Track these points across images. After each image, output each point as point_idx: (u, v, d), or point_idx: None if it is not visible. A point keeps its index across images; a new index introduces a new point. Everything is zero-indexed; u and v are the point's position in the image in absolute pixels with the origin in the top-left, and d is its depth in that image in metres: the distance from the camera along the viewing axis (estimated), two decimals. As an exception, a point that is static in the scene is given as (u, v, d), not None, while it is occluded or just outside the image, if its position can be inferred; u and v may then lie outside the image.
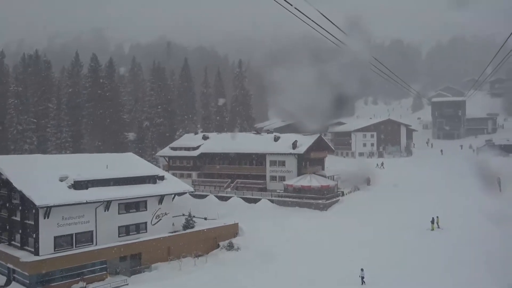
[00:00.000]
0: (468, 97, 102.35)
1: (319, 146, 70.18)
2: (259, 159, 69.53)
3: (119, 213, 43.34)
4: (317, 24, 15.91)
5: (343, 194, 64.26)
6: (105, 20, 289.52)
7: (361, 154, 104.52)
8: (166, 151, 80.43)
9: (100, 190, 41.85)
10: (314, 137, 68.28)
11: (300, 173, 65.24)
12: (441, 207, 52.93)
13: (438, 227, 48.49)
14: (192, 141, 78.52)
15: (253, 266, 40.52)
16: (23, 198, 38.74)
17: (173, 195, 48.61)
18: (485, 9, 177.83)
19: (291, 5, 14.32)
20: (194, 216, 49.48)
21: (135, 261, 41.93)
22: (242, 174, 71.07)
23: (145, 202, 45.60)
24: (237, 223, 50.45)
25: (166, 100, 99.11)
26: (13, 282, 37.82)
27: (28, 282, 35.87)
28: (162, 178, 48.51)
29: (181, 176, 71.96)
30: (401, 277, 35.43)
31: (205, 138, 78.73)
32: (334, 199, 61.57)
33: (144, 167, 50.82)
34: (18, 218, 40.80)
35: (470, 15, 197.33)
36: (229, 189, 69.14)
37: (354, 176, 69.39)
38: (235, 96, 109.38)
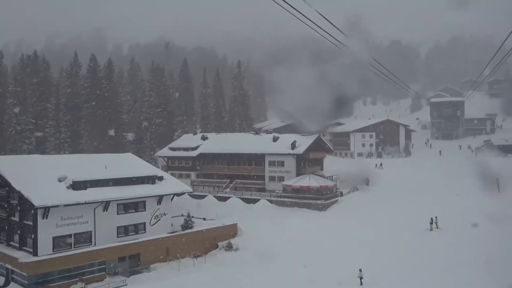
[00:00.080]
0: (467, 98, 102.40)
1: (318, 146, 70.23)
2: (258, 159, 69.53)
3: (117, 214, 43.33)
4: (317, 25, 15.93)
5: (342, 195, 64.30)
6: (104, 20, 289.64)
7: (360, 155, 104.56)
8: (165, 151, 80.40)
9: (99, 191, 41.83)
10: (313, 138, 68.33)
11: (299, 173, 65.27)
12: (439, 207, 53.01)
13: (437, 227, 48.57)
14: (191, 142, 78.50)
15: (252, 267, 40.52)
16: (22, 199, 38.72)
17: (172, 196, 48.60)
18: (485, 9, 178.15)
19: (293, 8, 14.34)
20: (193, 217, 49.50)
21: (134, 261, 41.91)
22: (241, 175, 71.06)
23: (144, 202, 45.59)
24: (236, 224, 50.45)
25: (165, 100, 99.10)
26: (11, 283, 37.76)
27: (26, 282, 35.81)
28: (161, 178, 48.49)
29: (180, 176, 71.95)
30: (401, 277, 35.45)
31: (204, 138, 78.71)
32: (333, 200, 61.60)
33: (143, 168, 50.80)
34: (16, 219, 40.76)
35: (470, 15, 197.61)
36: (228, 190, 69.12)
37: (353, 177, 69.42)
38: (234, 96, 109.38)
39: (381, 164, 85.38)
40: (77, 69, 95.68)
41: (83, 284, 37.29)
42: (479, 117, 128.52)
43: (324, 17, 15.57)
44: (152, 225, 46.01)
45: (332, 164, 78.26)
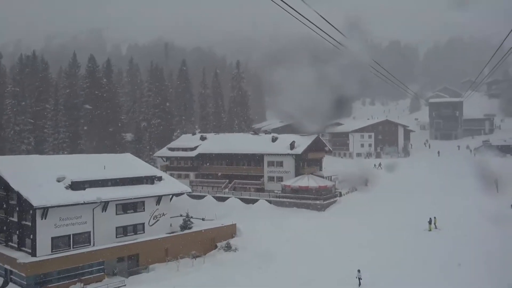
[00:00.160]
0: (466, 98, 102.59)
1: (317, 146, 70.28)
2: (257, 159, 69.55)
3: (116, 214, 43.27)
4: (316, 26, 15.93)
5: (340, 195, 64.34)
6: (104, 20, 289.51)
7: (358, 155, 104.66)
8: (164, 151, 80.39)
9: (98, 191, 41.78)
10: (312, 138, 68.37)
11: (298, 173, 65.30)
12: (438, 207, 53.06)
13: (436, 228, 48.61)
14: (190, 142, 78.50)
15: (251, 267, 40.50)
16: (20, 199, 38.66)
17: (170, 196, 48.57)
18: (485, 9, 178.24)
19: (293, 8, 14.33)
20: (191, 217, 49.45)
21: (132, 262, 41.87)
22: (239, 175, 71.07)
23: (143, 202, 45.55)
24: (235, 224, 50.43)
25: (164, 100, 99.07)
26: (10, 283, 37.70)
27: (25, 283, 35.73)
28: (159, 178, 48.47)
29: (179, 176, 71.97)
30: (400, 278, 35.45)
31: (202, 138, 78.71)
32: (332, 200, 61.65)
33: (141, 168, 50.77)
34: (15, 219, 40.70)
35: (470, 15, 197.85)
36: (226, 190, 69.14)
37: (352, 177, 69.48)
38: (233, 97, 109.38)
39: (380, 165, 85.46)
40: (76, 69, 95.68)
41: (82, 284, 37.25)
42: (478, 118, 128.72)
43: (324, 18, 15.58)
44: (151, 225, 45.99)
45: (331, 164, 78.32)
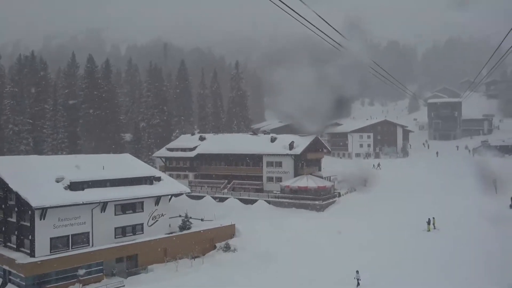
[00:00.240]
0: (464, 98, 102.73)
1: (316, 147, 70.32)
2: (255, 160, 69.56)
3: (115, 214, 43.23)
4: (316, 27, 15.91)
5: (339, 195, 64.35)
6: (104, 21, 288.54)
7: (357, 155, 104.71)
8: (163, 152, 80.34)
9: (97, 191, 41.76)
10: (311, 138, 68.39)
11: (296, 174, 65.31)
12: (437, 207, 53.11)
13: (434, 228, 48.64)
14: (189, 142, 78.46)
15: (250, 267, 40.49)
16: (19, 199, 38.60)
17: (169, 196, 48.55)
18: (485, 9, 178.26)
19: (292, 9, 14.32)
20: (190, 217, 49.41)
21: (131, 262, 41.82)
22: (238, 175, 71.06)
23: (142, 203, 45.52)
24: (234, 224, 50.41)
25: (163, 101, 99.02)
26: (9, 284, 37.65)
27: (24, 284, 35.69)
28: (158, 179, 48.44)
29: (178, 177, 71.93)
30: (400, 278, 35.44)
31: (201, 139, 78.68)
32: (331, 200, 61.66)
33: (140, 168, 50.74)
34: (13, 220, 40.64)
35: (470, 15, 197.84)
36: (225, 190, 69.11)
37: (350, 177, 69.50)
38: (232, 97, 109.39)
39: (378, 165, 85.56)
40: (75, 69, 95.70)
41: (80, 285, 37.20)
42: (477, 118, 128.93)
43: (324, 20, 15.57)
44: (150, 226, 45.96)
45: (330, 164, 78.36)
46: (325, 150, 73.97)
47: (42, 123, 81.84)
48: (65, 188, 40.34)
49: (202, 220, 52.76)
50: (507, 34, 19.13)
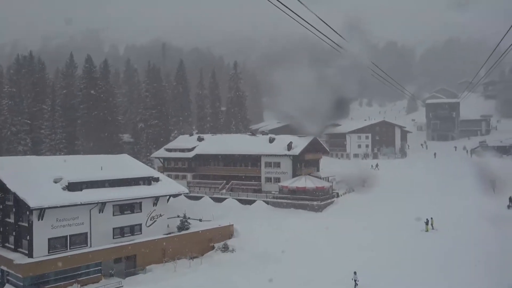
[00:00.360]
0: (462, 99, 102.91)
1: (314, 147, 70.36)
2: (254, 160, 69.56)
3: (113, 215, 43.19)
4: (316, 29, 15.92)
5: (338, 196, 64.40)
6: (103, 21, 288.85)
7: (355, 156, 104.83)
8: (161, 152, 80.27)
9: (95, 192, 41.71)
10: (309, 139, 68.42)
11: (295, 174, 65.35)
12: (436, 208, 53.13)
13: (433, 228, 48.67)
14: (187, 143, 78.41)
15: (248, 268, 40.48)
16: (17, 200, 38.54)
17: (168, 197, 48.51)
18: (485, 9, 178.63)
19: (292, 11, 14.33)
20: (189, 218, 49.38)
21: (129, 263, 41.78)
22: (237, 176, 71.06)
23: (140, 203, 45.48)
24: (232, 225, 50.42)
25: (161, 101, 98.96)
26: (6, 285, 37.57)
27: (22, 284, 35.62)
28: (157, 179, 48.40)
29: (176, 177, 71.87)
30: (400, 278, 35.42)
31: (200, 139, 78.65)
32: (329, 201, 61.69)
33: (138, 169, 50.70)
34: (12, 220, 40.53)
35: (470, 15, 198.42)
36: (224, 191, 69.08)
37: (349, 178, 69.57)
38: (230, 97, 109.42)
39: (377, 165, 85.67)
40: (73, 70, 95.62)
41: (79, 286, 37.14)
42: (475, 119, 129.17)
43: (324, 22, 15.57)
44: (148, 226, 45.91)
45: (328, 165, 78.41)
46: (323, 150, 74.00)
47: (40, 123, 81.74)
48: (63, 189, 40.28)
49: (200, 220, 52.76)
50: (505, 34, 19.18)
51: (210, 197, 66.84)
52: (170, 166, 77.80)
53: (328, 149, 79.76)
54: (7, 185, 38.65)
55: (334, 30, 16.34)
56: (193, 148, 75.83)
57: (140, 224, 45.39)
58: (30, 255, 37.25)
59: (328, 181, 67.91)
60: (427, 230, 48.30)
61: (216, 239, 48.03)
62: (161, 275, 40.18)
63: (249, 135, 79.82)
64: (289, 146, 66.09)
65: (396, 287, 34.53)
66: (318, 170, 71.60)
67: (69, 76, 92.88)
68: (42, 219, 37.59)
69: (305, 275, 37.60)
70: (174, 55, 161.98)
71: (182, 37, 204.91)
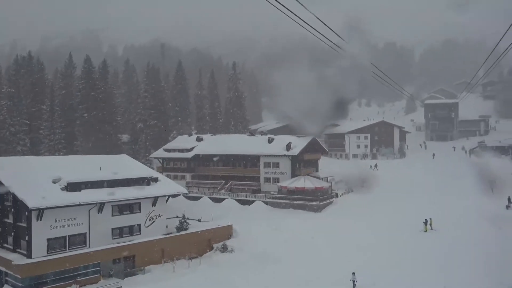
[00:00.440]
0: (461, 100, 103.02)
1: (313, 147, 70.37)
2: (253, 160, 69.54)
3: (112, 215, 43.12)
4: (315, 30, 15.90)
5: (337, 196, 64.41)
6: (103, 21, 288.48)
7: (354, 156, 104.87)
8: (160, 152, 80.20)
9: (94, 192, 41.64)
10: (308, 139, 68.42)
11: (294, 174, 65.33)
12: (435, 208, 53.19)
13: (431, 229, 48.70)
14: (186, 143, 78.37)
15: (247, 268, 40.45)
16: (16, 200, 38.47)
17: (166, 197, 48.45)
18: (485, 9, 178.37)
19: (291, 11, 14.31)
20: (188, 218, 49.33)
21: (128, 263, 41.68)
22: (236, 176, 71.02)
23: (139, 204, 45.42)
24: (231, 225, 50.37)
25: (160, 101, 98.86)
26: (5, 285, 37.49)
27: (20, 285, 35.54)
28: (155, 180, 48.33)
29: (175, 177, 71.80)
30: (399, 278, 35.44)
31: (199, 139, 78.62)
32: (328, 201, 61.70)
33: (137, 169, 50.66)
34: (10, 220, 40.44)
35: (470, 15, 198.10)
36: (223, 191, 69.06)
37: (348, 178, 69.58)
38: (229, 98, 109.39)
39: (376, 166, 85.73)
40: (72, 70, 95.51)
41: (77, 286, 37.07)
42: (473, 119, 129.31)
43: (324, 23, 15.55)
44: (147, 226, 45.85)
45: (327, 165, 78.40)
46: (322, 150, 74.00)
47: (39, 124, 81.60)
48: (62, 189, 40.21)
49: (199, 221, 52.73)
50: (504, 35, 19.19)
51: (209, 198, 66.81)
52: (169, 167, 77.76)
53: (327, 149, 79.80)
54: (6, 186, 38.52)
55: (332, 31, 16.33)
56: (192, 148, 75.79)
57: (139, 225, 45.32)
58: (28, 255, 37.16)
59: (327, 181, 67.90)
60: (425, 231, 48.34)
61: (215, 239, 47.98)
62: (160, 276, 40.14)
63: (248, 135, 79.79)
64: (288, 146, 66.08)
65: (398, 287, 34.53)
66: (317, 171, 71.60)
67: (68, 77, 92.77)
68: (41, 220, 37.53)
69: (304, 276, 37.59)
70: (173, 55, 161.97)
71: (182, 37, 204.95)
